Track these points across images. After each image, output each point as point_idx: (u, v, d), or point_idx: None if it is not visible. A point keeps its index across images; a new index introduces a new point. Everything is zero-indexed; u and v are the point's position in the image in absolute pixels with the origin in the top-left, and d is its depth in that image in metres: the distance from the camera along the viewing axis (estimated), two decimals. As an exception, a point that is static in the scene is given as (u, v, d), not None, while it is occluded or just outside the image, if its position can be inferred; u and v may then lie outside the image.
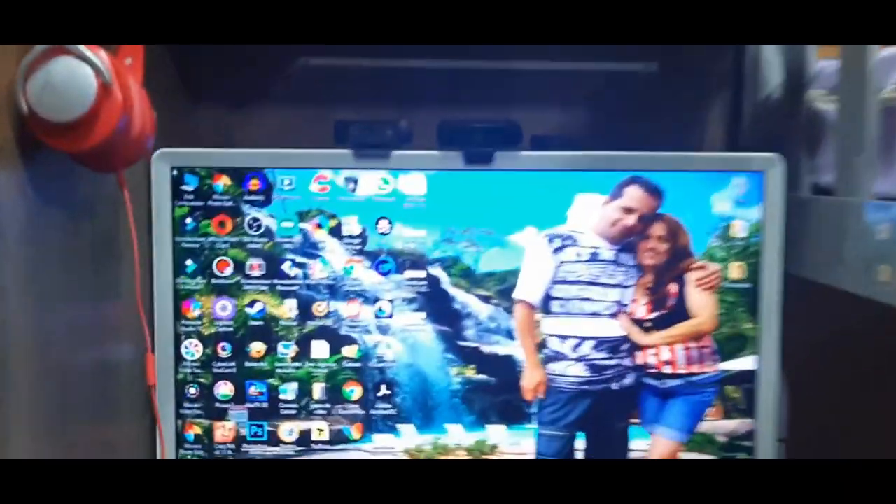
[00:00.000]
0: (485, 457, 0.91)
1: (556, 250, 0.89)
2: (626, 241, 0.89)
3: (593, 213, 0.88)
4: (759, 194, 0.88)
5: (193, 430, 0.92)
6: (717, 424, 0.91)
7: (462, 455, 0.91)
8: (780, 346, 0.88)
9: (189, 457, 0.91)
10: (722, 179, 0.88)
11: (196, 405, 0.91)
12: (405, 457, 0.91)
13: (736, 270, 0.89)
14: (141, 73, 0.65)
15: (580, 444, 0.91)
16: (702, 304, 0.89)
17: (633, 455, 0.92)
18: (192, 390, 0.91)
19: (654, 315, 0.89)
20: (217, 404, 0.91)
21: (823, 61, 0.87)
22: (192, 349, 0.91)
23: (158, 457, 0.87)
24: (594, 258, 0.89)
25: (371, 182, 0.89)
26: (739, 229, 0.89)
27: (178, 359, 0.90)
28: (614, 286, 0.89)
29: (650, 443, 0.91)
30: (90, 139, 0.58)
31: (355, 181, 0.89)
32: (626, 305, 0.90)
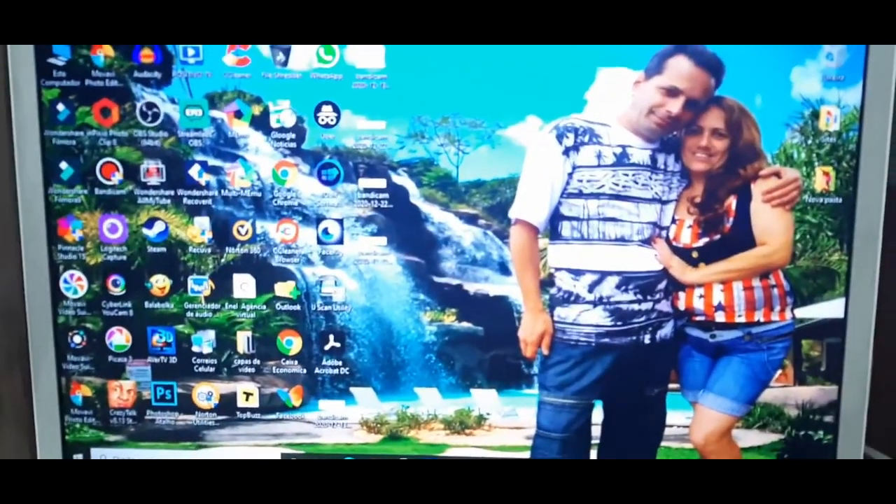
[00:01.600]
0: (468, 432, 0.81)
1: (569, 150, 0.76)
2: (668, 136, 0.77)
3: (621, 97, 0.76)
4: (860, 69, 0.75)
5: (82, 392, 0.84)
6: (787, 392, 0.81)
7: (438, 428, 0.81)
8: (880, 287, 0.78)
9: (77, 425, 0.83)
10: (806, 47, 0.75)
11: (83, 358, 0.82)
12: (361, 429, 0.82)
13: (822, 179, 0.78)
14: None
15: (597, 416, 0.81)
16: (772, 227, 0.77)
17: (669, 431, 0.81)
18: (78, 339, 0.82)
19: (703, 241, 0.78)
20: (111, 357, 0.82)
21: None
22: (74, 284, 0.81)
23: (36, 425, 0.81)
24: (622, 161, 0.77)
25: (307, 52, 0.77)
26: (830, 120, 0.77)
27: (57, 297, 0.81)
28: (649, 201, 0.78)
29: (693, 416, 0.81)
30: None
31: (286, 50, 0.77)
32: (665, 228, 0.79)
